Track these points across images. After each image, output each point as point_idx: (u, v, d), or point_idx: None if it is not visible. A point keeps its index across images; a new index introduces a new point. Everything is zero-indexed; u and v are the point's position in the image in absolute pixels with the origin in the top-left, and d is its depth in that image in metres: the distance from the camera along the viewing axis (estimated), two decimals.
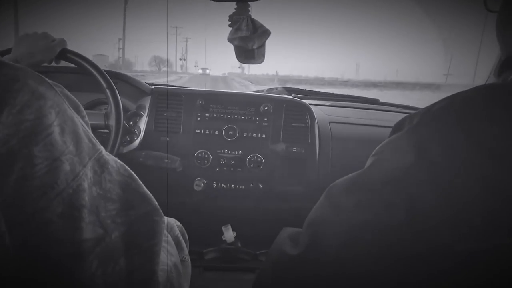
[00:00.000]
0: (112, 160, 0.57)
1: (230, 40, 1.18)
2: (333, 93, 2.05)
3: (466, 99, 0.50)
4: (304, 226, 0.56)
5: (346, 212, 0.51)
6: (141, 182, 0.60)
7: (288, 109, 1.52)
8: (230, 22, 1.18)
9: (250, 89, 1.94)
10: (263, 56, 1.24)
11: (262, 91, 1.91)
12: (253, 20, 1.16)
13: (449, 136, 0.47)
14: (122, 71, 5.52)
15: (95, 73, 1.26)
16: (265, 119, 1.50)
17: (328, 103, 2.02)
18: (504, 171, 0.44)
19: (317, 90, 2.08)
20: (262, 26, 1.18)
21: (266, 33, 1.20)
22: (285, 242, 0.57)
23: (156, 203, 0.60)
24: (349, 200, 0.51)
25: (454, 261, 0.45)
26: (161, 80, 1.95)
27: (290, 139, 1.50)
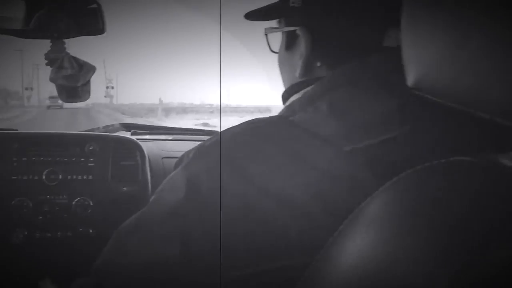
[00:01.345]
0: None
1: (52, 79, 1.13)
2: (175, 127, 2.05)
3: (235, 134, 0.52)
4: (91, 274, 0.53)
5: (132, 252, 0.51)
6: None
7: (116, 147, 1.47)
8: (47, 61, 1.13)
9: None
10: (89, 93, 1.20)
11: (98, 129, 1.83)
12: (75, 58, 1.13)
13: (217, 170, 0.49)
14: None
15: None
16: (91, 159, 1.43)
17: (170, 137, 2.01)
18: (267, 201, 0.47)
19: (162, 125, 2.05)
20: (86, 63, 1.15)
21: (91, 69, 1.17)
22: None
23: None
24: (134, 239, 0.51)
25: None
26: (8, 115, 1.77)
27: (119, 178, 1.45)
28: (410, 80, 0.41)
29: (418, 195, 0.36)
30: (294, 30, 0.59)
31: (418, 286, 0.30)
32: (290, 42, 0.61)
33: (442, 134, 0.47)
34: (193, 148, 0.54)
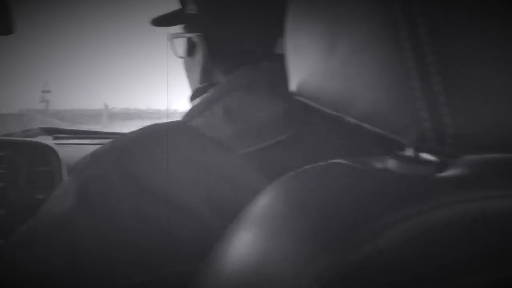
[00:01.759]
0: None
1: None
2: (99, 131, 1.99)
3: (130, 141, 0.51)
4: None
5: (17, 266, 0.48)
6: None
7: (30, 153, 1.41)
8: None
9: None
10: None
11: (14, 134, 1.74)
12: None
13: (109, 177, 0.48)
14: None
15: None
16: (3, 165, 1.36)
17: (96, 141, 1.95)
18: (159, 207, 0.46)
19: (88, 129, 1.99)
20: None
21: None
22: None
23: None
24: (19, 252, 0.49)
25: None
26: None
27: (33, 185, 1.39)
28: (292, 85, 0.43)
29: (296, 196, 0.37)
30: (194, 36, 0.60)
31: (286, 284, 0.31)
32: (190, 48, 0.62)
33: (326, 138, 0.48)
34: (87, 155, 0.53)
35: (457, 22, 0.30)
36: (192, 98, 0.64)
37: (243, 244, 0.37)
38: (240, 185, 0.48)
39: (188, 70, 0.65)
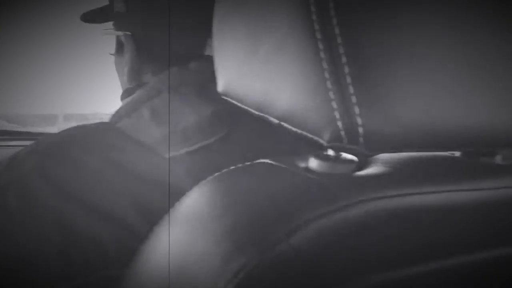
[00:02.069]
0: None
1: None
2: (23, 131, 1.92)
3: (52, 143, 0.50)
4: None
5: None
6: None
7: None
8: None
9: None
10: None
11: None
12: None
13: (29, 181, 0.46)
14: None
15: None
16: None
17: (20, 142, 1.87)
18: (82, 213, 0.45)
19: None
20: None
21: None
22: None
23: None
24: None
25: None
26: None
27: None
28: (219, 86, 0.43)
29: (216, 197, 0.37)
30: (122, 35, 0.58)
31: (203, 284, 0.31)
32: (119, 47, 0.60)
33: (256, 139, 0.49)
34: (6, 157, 0.51)
35: (368, 25, 0.32)
36: (122, 98, 0.63)
37: (166, 245, 0.37)
38: (167, 189, 0.47)
39: (118, 69, 0.63)
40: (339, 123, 0.32)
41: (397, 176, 0.38)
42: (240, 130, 0.49)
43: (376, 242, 0.36)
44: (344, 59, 0.31)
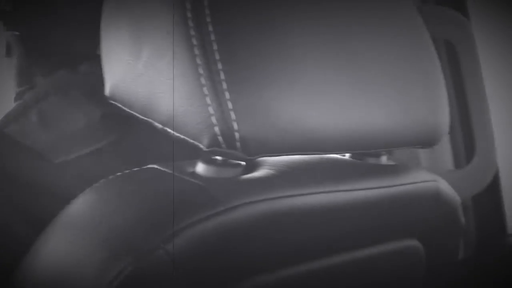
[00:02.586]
0: None
1: None
2: None
3: None
4: None
5: None
6: None
7: None
8: None
9: None
10: None
11: None
12: None
13: None
14: None
15: None
16: None
17: None
18: None
19: None
20: None
21: None
22: None
23: None
24: None
25: None
26: None
27: None
28: (106, 89, 0.41)
29: (99, 203, 0.36)
30: (10, 35, 0.55)
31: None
32: (8, 48, 0.57)
33: (148, 143, 0.48)
34: None
35: (243, 32, 0.32)
36: (15, 101, 0.59)
37: (49, 252, 0.35)
38: (58, 196, 0.45)
39: (8, 71, 0.60)
40: (216, 128, 0.32)
41: (281, 178, 0.39)
42: (133, 134, 0.48)
43: (259, 244, 0.36)
44: (219, 66, 0.31)
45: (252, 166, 0.39)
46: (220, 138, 0.32)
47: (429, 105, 0.45)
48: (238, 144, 0.32)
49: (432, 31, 0.68)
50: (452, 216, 0.49)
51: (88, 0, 0.53)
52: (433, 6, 0.71)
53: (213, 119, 0.31)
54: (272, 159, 0.41)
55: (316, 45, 0.36)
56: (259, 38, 0.32)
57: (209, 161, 0.37)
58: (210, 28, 0.31)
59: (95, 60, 0.53)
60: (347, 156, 0.50)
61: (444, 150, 0.73)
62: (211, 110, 0.31)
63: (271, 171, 0.39)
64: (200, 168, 0.37)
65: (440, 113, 0.45)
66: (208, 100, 0.31)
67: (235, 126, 0.31)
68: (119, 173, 0.39)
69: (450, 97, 0.74)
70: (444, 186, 0.48)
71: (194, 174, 0.37)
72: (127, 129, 0.48)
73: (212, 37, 0.31)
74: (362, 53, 0.40)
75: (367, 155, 0.49)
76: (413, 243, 0.47)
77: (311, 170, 0.42)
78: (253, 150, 0.33)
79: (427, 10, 0.69)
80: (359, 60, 0.39)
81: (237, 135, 0.32)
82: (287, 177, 0.39)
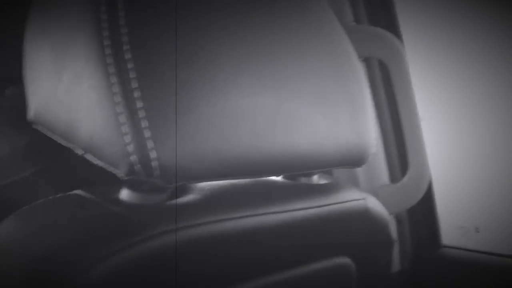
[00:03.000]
0: None
1: None
2: None
3: None
4: None
5: None
6: None
7: None
8: None
9: None
10: None
11: None
12: None
13: None
14: None
15: None
16: None
17: None
18: None
19: None
20: None
21: None
22: None
23: None
24: None
25: None
26: None
27: None
28: (30, 113, 0.40)
29: (18, 232, 0.35)
30: None
31: None
32: None
33: (76, 169, 0.47)
34: None
35: (162, 60, 0.32)
36: None
37: None
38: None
39: None
40: (133, 157, 0.31)
41: (209, 203, 0.39)
42: (62, 160, 0.47)
43: (186, 270, 0.36)
44: (137, 94, 0.31)
45: (180, 191, 0.39)
46: (137, 167, 0.31)
47: (356, 126, 0.46)
48: (157, 172, 0.32)
49: (365, 51, 0.71)
50: (382, 232, 0.50)
51: (11, 24, 0.51)
52: (365, 26, 0.73)
53: (130, 148, 0.31)
54: (201, 184, 0.41)
55: (238, 69, 0.36)
56: (179, 67, 0.32)
57: (132, 187, 0.36)
58: (128, 56, 0.31)
59: (21, 85, 0.51)
60: (280, 177, 0.51)
61: (380, 165, 0.75)
62: (127, 139, 0.31)
63: (198, 196, 0.39)
64: (124, 194, 0.37)
65: (366, 133, 0.47)
66: (124, 128, 0.31)
67: (153, 154, 0.31)
68: (41, 200, 0.38)
69: (385, 115, 0.77)
70: (373, 203, 0.49)
71: (117, 201, 0.37)
72: (56, 155, 0.46)
73: (130, 65, 0.31)
74: (287, 77, 0.40)
75: (299, 175, 0.50)
76: (344, 260, 0.48)
77: (241, 194, 0.43)
78: (173, 178, 0.32)
79: (360, 30, 0.71)
80: (284, 84, 0.40)
81: (155, 163, 0.31)
82: (215, 201, 0.39)
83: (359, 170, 0.73)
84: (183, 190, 0.40)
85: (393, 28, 0.74)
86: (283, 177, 0.50)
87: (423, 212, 0.78)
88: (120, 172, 0.32)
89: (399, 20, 0.77)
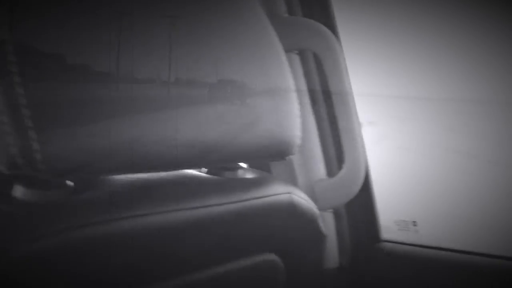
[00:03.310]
0: None
1: None
2: None
3: None
4: None
5: None
6: None
7: None
8: None
9: None
10: None
11: None
12: None
13: None
14: None
15: None
16: None
17: None
18: None
19: None
20: None
21: None
22: None
23: None
24: None
25: None
26: None
27: None
28: None
29: None
30: None
31: None
32: None
33: None
34: None
35: (46, 64, 0.29)
36: None
37: None
38: None
39: None
40: (14, 149, 0.28)
41: (116, 199, 0.36)
42: None
43: (92, 269, 0.33)
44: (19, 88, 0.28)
45: (85, 187, 0.36)
46: (19, 159, 0.28)
47: (278, 119, 0.44)
48: (41, 165, 0.29)
49: (298, 43, 0.69)
50: (309, 227, 0.49)
51: None
52: (299, 18, 0.71)
53: (10, 139, 0.28)
54: (113, 178, 0.38)
55: (144, 60, 0.34)
56: (65, 60, 0.30)
57: (27, 184, 0.33)
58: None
59: None
60: (203, 171, 0.48)
61: (317, 160, 0.74)
62: (7, 128, 0.28)
63: (104, 192, 0.36)
64: (18, 191, 0.33)
65: (289, 126, 0.45)
66: (3, 118, 0.28)
67: (37, 147, 0.28)
68: None
69: (321, 109, 0.76)
70: (300, 197, 0.48)
71: (11, 199, 0.33)
72: None
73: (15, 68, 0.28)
74: (199, 67, 0.38)
75: (224, 169, 0.48)
76: (270, 257, 0.46)
77: (155, 189, 0.40)
78: (61, 172, 0.29)
79: (293, 22, 0.70)
80: (195, 74, 0.38)
81: (39, 156, 0.28)
82: (123, 197, 0.37)
83: (296, 165, 0.72)
84: (89, 186, 0.37)
85: (327, 21, 0.73)
86: (207, 172, 0.48)
87: (361, 207, 0.77)
88: (1, 166, 0.29)
89: (336, 15, 0.76)
